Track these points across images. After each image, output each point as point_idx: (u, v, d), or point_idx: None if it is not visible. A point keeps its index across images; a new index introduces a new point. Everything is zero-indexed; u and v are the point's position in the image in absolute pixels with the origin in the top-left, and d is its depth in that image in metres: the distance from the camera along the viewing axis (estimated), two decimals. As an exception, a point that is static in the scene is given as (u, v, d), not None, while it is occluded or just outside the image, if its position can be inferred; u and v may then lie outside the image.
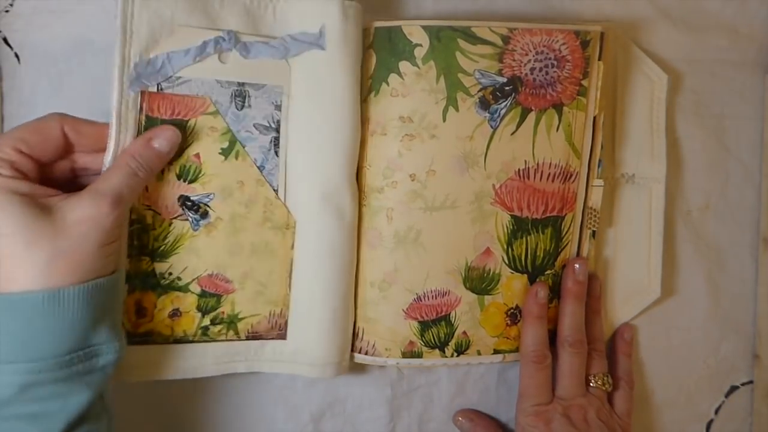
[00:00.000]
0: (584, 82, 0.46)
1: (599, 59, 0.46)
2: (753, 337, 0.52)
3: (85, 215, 0.37)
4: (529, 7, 0.49)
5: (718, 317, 0.52)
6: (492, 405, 0.51)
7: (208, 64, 0.43)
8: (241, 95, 0.44)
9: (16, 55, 0.49)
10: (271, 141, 0.45)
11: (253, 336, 0.46)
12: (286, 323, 0.46)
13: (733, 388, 0.52)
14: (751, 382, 0.52)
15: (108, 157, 0.41)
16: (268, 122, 0.45)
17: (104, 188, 0.38)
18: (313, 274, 0.45)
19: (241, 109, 0.44)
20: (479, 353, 0.48)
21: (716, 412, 0.52)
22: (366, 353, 0.48)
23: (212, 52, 0.43)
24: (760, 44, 0.51)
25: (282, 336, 0.46)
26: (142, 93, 0.42)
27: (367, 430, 0.51)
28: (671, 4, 0.50)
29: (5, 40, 0.49)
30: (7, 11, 0.49)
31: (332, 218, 0.45)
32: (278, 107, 0.45)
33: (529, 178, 0.46)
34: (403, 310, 0.47)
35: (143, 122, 0.42)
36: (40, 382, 0.36)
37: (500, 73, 0.45)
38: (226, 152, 0.44)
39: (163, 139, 0.42)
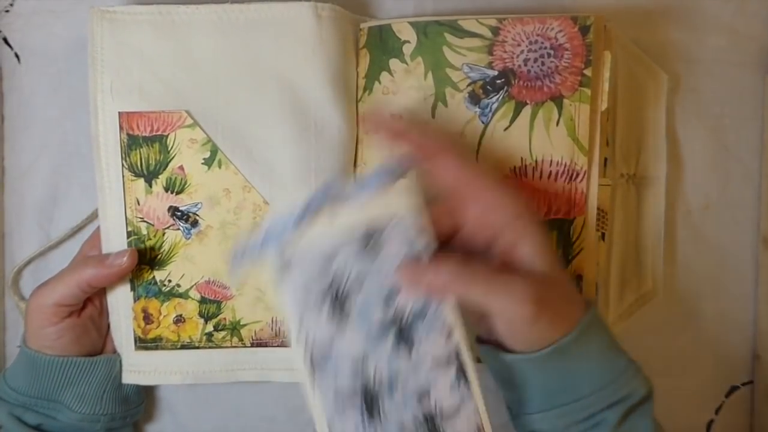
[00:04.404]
0: (587, 72, 0.43)
1: (606, 48, 0.43)
2: (753, 337, 0.52)
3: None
4: (527, 4, 0.49)
5: (718, 317, 0.52)
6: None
7: None
8: None
9: (16, 55, 0.49)
10: None
11: (258, 343, 0.46)
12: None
13: (734, 388, 0.52)
14: (751, 382, 0.52)
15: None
16: None
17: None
18: None
19: None
20: (479, 360, 0.46)
21: (716, 412, 0.52)
22: None
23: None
24: (760, 44, 0.51)
25: (286, 343, 0.46)
26: (120, 113, 0.44)
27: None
28: (671, 4, 0.50)
29: (5, 40, 0.49)
30: (7, 11, 0.49)
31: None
32: None
33: (527, 176, 0.44)
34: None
35: (125, 140, 0.44)
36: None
37: (490, 65, 0.44)
38: (208, 162, 0.45)
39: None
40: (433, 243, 0.38)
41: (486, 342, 0.41)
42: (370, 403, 0.38)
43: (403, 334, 0.38)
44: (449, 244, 0.40)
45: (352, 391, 0.38)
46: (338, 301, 0.38)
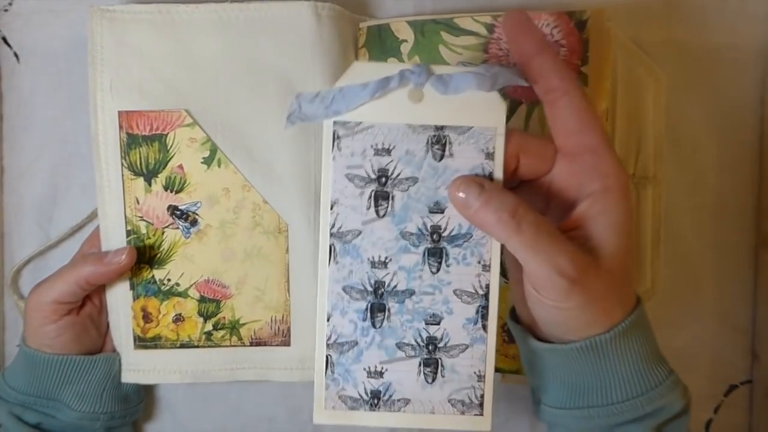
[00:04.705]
0: (584, 69, 0.42)
1: (608, 44, 0.42)
2: (752, 337, 0.52)
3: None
4: (528, 2, 0.49)
5: (717, 317, 0.52)
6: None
7: None
8: None
9: (16, 55, 0.49)
10: None
11: (257, 342, 0.46)
12: (289, 329, 0.46)
13: (732, 388, 0.52)
14: (750, 381, 0.52)
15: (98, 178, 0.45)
16: None
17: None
18: (310, 277, 0.46)
19: None
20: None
21: (715, 411, 0.52)
22: None
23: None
24: (760, 44, 0.51)
25: (286, 342, 0.47)
26: (120, 112, 0.44)
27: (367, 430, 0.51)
28: (671, 3, 0.50)
29: (5, 39, 0.49)
30: (6, 10, 0.49)
31: None
32: None
33: None
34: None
35: (124, 139, 0.44)
36: None
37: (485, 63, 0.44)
38: (208, 161, 0.45)
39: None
40: (501, 172, 0.35)
41: (521, 324, 0.38)
42: (375, 310, 0.36)
43: (436, 250, 0.35)
44: (530, 185, 0.37)
45: (362, 293, 0.35)
46: (381, 193, 0.35)
